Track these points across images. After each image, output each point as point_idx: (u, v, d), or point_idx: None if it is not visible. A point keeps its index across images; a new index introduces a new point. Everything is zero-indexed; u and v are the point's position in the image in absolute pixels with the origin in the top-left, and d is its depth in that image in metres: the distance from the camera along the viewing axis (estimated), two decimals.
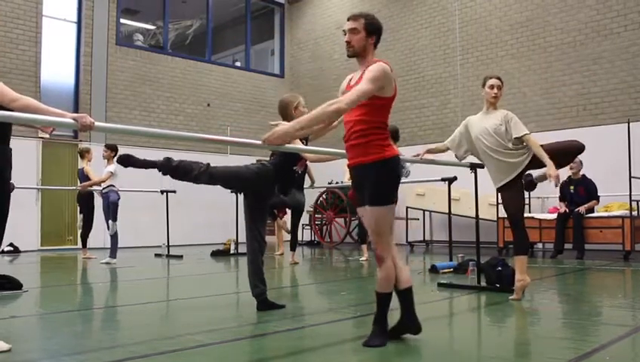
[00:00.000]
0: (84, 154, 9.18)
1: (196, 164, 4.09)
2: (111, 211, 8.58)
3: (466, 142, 4.93)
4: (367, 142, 3.16)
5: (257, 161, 10.33)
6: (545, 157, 4.51)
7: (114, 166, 8.35)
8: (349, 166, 3.37)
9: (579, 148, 4.85)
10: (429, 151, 4.97)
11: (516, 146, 4.66)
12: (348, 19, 3.30)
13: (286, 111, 4.48)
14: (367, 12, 3.36)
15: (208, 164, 4.15)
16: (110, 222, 8.61)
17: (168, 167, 4.03)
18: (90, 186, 9.06)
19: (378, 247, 3.21)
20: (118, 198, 8.65)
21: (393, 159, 3.20)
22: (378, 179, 3.16)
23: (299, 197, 7.82)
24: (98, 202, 9.18)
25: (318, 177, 10.15)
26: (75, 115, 3.09)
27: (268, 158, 4.62)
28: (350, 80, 3.39)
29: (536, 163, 4.72)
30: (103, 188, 8.68)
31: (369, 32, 3.25)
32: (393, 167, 3.21)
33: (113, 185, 8.66)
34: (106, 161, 8.68)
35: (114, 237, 8.61)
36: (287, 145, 3.65)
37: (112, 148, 8.63)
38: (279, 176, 4.40)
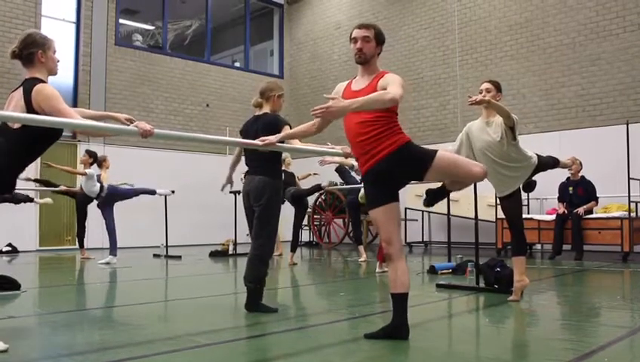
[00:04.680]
0: (101, 163, 9.25)
1: (258, 262, 4.29)
2: (120, 194, 8.99)
3: (465, 149, 4.88)
4: (385, 136, 3.38)
5: None
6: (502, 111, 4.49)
7: (93, 170, 8.86)
8: (370, 167, 3.40)
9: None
10: None
11: (519, 156, 4.66)
12: (360, 28, 3.43)
13: (268, 93, 4.49)
14: (374, 23, 3.57)
15: (257, 249, 4.32)
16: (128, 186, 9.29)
17: (261, 282, 4.33)
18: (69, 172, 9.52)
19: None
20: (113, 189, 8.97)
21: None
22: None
23: (287, 188, 8.52)
24: (93, 208, 9.24)
25: (318, 177, 10.16)
26: (136, 122, 3.26)
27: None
28: (350, 85, 3.51)
29: (538, 170, 4.84)
30: (102, 193, 8.78)
31: (378, 41, 3.44)
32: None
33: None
34: (82, 165, 9.06)
35: (112, 235, 8.69)
36: (283, 145, 3.99)
37: (90, 155, 9.09)
38: (276, 160, 4.42)
